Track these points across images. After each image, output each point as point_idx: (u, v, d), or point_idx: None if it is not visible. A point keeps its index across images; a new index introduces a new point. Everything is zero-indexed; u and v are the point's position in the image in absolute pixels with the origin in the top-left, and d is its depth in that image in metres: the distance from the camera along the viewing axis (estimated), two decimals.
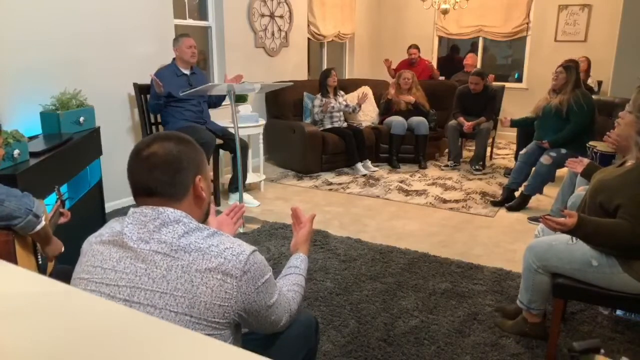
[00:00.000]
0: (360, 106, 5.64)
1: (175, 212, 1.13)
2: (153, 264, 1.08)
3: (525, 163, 4.26)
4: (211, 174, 1.31)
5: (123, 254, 1.11)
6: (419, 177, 5.24)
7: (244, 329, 1.25)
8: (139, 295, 1.07)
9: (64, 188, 2.68)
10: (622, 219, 1.89)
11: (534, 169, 4.23)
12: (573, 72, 4.06)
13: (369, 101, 5.89)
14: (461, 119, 5.45)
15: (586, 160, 2.80)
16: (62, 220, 2.04)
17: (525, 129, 4.98)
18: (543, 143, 4.11)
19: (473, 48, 7.66)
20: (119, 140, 4.06)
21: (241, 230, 3.59)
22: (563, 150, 3.94)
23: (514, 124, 4.70)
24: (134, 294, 1.07)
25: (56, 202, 2.10)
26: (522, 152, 4.33)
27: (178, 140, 1.18)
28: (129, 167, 1.16)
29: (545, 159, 4.02)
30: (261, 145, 4.88)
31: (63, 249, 1.88)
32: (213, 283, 1.07)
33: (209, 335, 1.07)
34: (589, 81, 6.08)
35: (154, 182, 1.13)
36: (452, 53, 8.08)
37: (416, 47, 6.80)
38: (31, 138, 2.89)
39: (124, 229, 1.12)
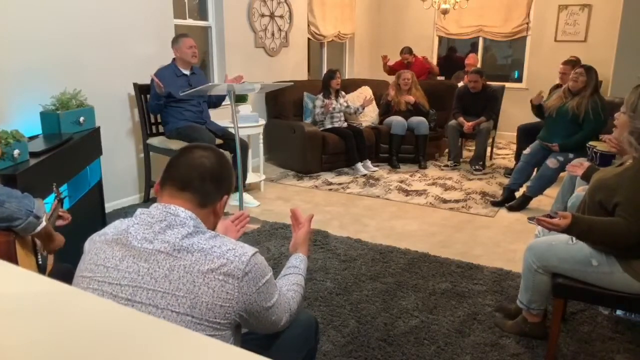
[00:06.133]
0: (363, 108, 5.66)
1: (186, 213, 1.15)
2: (156, 264, 1.09)
3: (528, 163, 4.21)
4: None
5: (126, 252, 1.12)
6: (419, 177, 5.24)
7: (244, 329, 1.25)
8: (141, 295, 1.08)
9: (63, 188, 2.67)
10: (620, 217, 1.90)
11: (536, 170, 4.21)
12: (594, 76, 3.91)
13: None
14: (461, 119, 5.45)
15: (586, 164, 2.79)
16: (62, 222, 2.03)
17: (527, 127, 4.97)
18: (553, 146, 4.00)
19: (473, 48, 7.67)
20: (119, 140, 4.06)
21: None
22: (570, 155, 3.83)
23: (538, 106, 4.30)
24: (136, 293, 1.08)
25: (55, 199, 2.10)
26: (526, 152, 4.26)
27: (225, 159, 1.30)
28: (174, 160, 1.23)
29: (551, 163, 3.94)
30: (261, 145, 4.88)
31: (64, 242, 1.88)
32: (215, 284, 1.08)
33: (210, 335, 1.08)
34: None
35: (196, 176, 1.19)
36: (450, 53, 8.11)
37: (409, 51, 6.80)
38: (31, 138, 2.89)
39: (129, 229, 1.14)
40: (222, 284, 1.09)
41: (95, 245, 1.16)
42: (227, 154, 4.34)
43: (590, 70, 3.94)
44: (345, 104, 5.62)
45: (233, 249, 1.13)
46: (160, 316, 1.07)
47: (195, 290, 1.07)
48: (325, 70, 6.34)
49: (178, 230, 1.12)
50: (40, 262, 1.88)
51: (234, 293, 1.10)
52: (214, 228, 1.30)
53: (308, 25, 6.41)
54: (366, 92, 6.23)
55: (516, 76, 7.59)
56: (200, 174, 1.20)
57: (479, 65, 7.08)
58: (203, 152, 1.23)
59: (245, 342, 1.31)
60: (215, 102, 4.39)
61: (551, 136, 4.08)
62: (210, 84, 4.20)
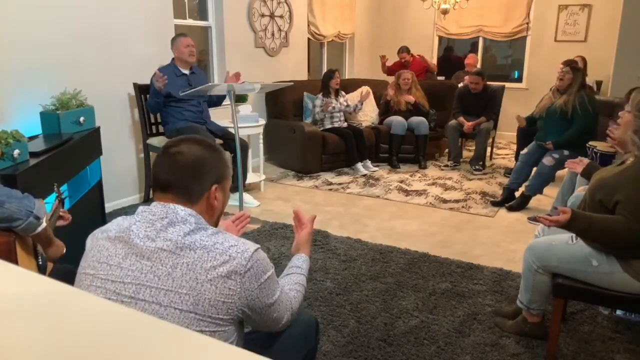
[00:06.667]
0: (362, 104, 5.65)
1: (185, 210, 1.15)
2: (159, 262, 1.09)
3: (526, 163, 4.24)
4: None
5: (129, 250, 1.12)
6: (419, 177, 5.24)
7: (247, 329, 1.25)
8: (144, 293, 1.08)
9: (63, 188, 2.67)
10: (620, 215, 1.90)
11: (534, 169, 4.22)
12: (579, 73, 4.02)
13: (369, 101, 5.90)
14: (461, 119, 5.45)
15: (586, 161, 2.80)
16: (62, 223, 2.03)
17: (526, 128, 4.97)
18: (547, 144, 4.06)
19: (473, 48, 7.67)
20: (119, 140, 4.06)
21: None
22: (565, 152, 3.90)
23: (528, 121, 4.51)
24: (139, 291, 1.09)
25: (56, 199, 2.09)
26: (523, 152, 4.30)
27: (207, 146, 1.22)
28: (154, 162, 1.22)
29: (547, 161, 3.99)
30: (261, 145, 4.88)
31: (65, 251, 1.88)
32: (217, 280, 1.09)
33: (213, 331, 1.09)
34: (586, 81, 6.07)
35: (172, 177, 1.17)
36: (447, 53, 8.10)
37: (406, 50, 6.81)
38: (31, 138, 2.89)
39: (131, 226, 1.14)
40: (225, 280, 1.09)
41: (98, 242, 1.17)
42: (227, 154, 4.35)
43: (576, 69, 4.05)
44: (345, 104, 5.62)
45: (235, 245, 1.13)
46: (164, 313, 1.07)
47: (198, 287, 1.08)
48: (325, 70, 6.34)
49: (180, 227, 1.12)
50: (40, 263, 1.88)
51: (237, 289, 1.10)
52: (217, 221, 1.29)
53: (308, 25, 6.41)
54: (367, 90, 6.21)
55: (516, 76, 7.59)
56: (175, 173, 1.17)
57: (478, 66, 7.08)
58: (176, 149, 1.19)
59: (246, 341, 1.31)
60: (216, 101, 4.39)
61: (545, 135, 4.15)
62: (210, 84, 4.20)
